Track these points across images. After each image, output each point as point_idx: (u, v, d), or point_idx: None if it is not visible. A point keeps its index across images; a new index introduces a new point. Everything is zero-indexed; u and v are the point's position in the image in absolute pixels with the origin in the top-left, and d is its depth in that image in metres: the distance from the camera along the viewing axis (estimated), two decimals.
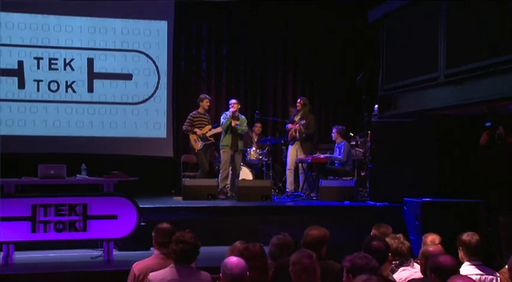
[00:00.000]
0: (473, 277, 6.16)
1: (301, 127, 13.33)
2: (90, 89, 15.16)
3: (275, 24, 15.52)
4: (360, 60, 14.15)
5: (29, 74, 14.95)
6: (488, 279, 6.53)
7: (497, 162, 9.88)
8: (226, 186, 12.99)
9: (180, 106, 15.13)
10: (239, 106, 13.23)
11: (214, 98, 14.09)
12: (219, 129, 13.25)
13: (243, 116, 13.24)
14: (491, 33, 8.47)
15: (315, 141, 13.58)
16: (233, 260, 5.48)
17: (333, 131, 13.30)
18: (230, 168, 13.07)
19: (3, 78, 14.79)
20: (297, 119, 13.53)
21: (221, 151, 13.10)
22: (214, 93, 14.54)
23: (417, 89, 10.33)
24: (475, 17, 8.95)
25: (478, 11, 8.90)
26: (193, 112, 13.66)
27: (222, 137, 13.07)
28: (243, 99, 14.76)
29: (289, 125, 13.69)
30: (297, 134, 13.44)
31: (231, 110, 13.04)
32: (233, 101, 13.29)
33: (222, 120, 13.10)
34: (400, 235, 7.29)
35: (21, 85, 14.92)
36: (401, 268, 6.68)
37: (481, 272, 6.55)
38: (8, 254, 9.63)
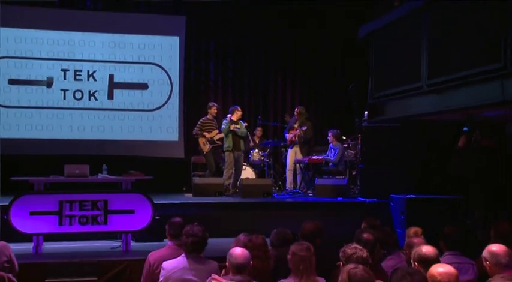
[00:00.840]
0: (453, 265, 6.16)
1: (301, 132, 13.35)
2: (111, 97, 15.21)
3: (275, 41, 15.54)
4: (351, 71, 14.11)
5: (57, 84, 15.00)
6: (466, 267, 6.54)
7: (474, 163, 9.88)
8: (229, 184, 12.97)
9: (190, 112, 15.16)
10: (240, 113, 13.22)
11: (221, 106, 14.11)
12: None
13: (242, 121, 13.21)
14: (468, 47, 8.47)
15: (311, 145, 13.59)
16: (238, 250, 5.48)
17: (329, 134, 13.32)
18: (234, 168, 13.06)
19: (33, 88, 14.85)
20: (296, 125, 13.54)
21: (225, 153, 13.09)
22: (221, 101, 14.57)
23: (402, 97, 10.32)
24: (453, 33, 8.95)
25: (456, 27, 8.90)
26: (203, 118, 13.69)
27: (224, 141, 13.07)
28: (246, 106, 14.80)
29: (288, 136, 13.72)
30: (297, 138, 13.46)
31: (229, 115, 13.05)
32: (235, 107, 13.35)
33: (222, 126, 13.13)
34: (387, 228, 7.29)
35: (50, 94, 14.96)
36: (389, 257, 6.69)
37: (459, 261, 6.55)
38: (37, 244, 9.70)
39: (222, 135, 13.18)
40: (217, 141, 13.36)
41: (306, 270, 5.74)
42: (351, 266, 4.58)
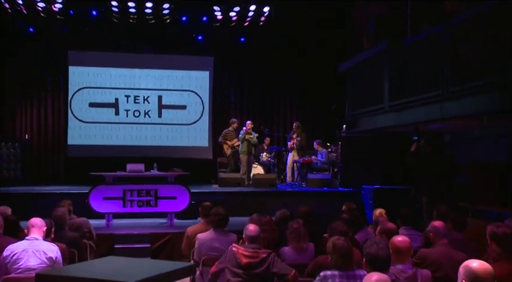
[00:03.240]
0: (407, 236, 6.15)
1: (298, 141, 13.35)
2: (160, 115, 15.17)
3: (279, 74, 15.42)
4: (334, 96, 14.06)
5: (122, 106, 15.00)
6: (416, 237, 6.56)
7: (420, 162, 9.88)
8: (244, 178, 12.96)
9: (216, 126, 15.05)
10: (252, 125, 13.19)
11: (239, 121, 14.05)
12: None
13: (254, 133, 13.18)
14: (417, 79, 8.48)
15: (304, 149, 13.55)
16: (251, 226, 5.47)
17: (314, 144, 13.32)
18: (247, 166, 13.05)
19: (105, 109, 14.91)
20: (294, 136, 13.51)
21: (241, 155, 13.06)
22: (239, 118, 14.48)
23: (371, 115, 10.32)
24: (406, 69, 8.96)
25: (408, 65, 8.91)
26: (225, 130, 13.69)
27: (241, 146, 13.04)
28: (257, 121, 14.71)
29: (289, 143, 13.67)
30: (294, 145, 13.43)
31: (244, 128, 13.01)
32: (248, 122, 13.28)
33: (240, 135, 13.09)
34: (358, 212, 7.29)
35: (117, 113, 14.99)
36: (360, 232, 6.63)
37: (411, 233, 6.58)
38: (108, 220, 9.92)
39: (239, 142, 13.17)
40: (236, 147, 13.34)
41: (298, 238, 5.83)
42: (334, 237, 4.57)
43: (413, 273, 4.41)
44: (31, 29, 14.34)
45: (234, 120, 13.83)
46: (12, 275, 5.36)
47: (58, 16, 13.66)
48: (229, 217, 6.45)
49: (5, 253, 5.46)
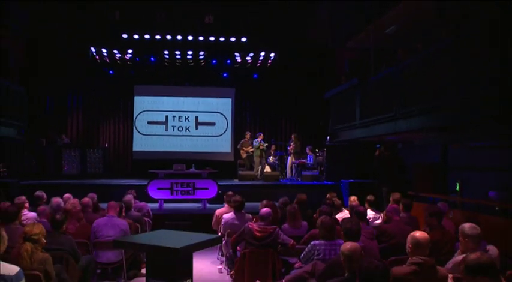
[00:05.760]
0: (372, 215, 6.15)
1: (294, 148, 13.27)
2: (196, 129, 15.13)
3: (283, 99, 15.23)
4: (321, 115, 14.00)
5: (170, 123, 14.99)
6: (378, 216, 6.56)
7: (381, 163, 9.87)
8: (257, 174, 12.95)
9: (236, 137, 14.91)
10: (262, 137, 13.10)
11: (252, 133, 13.96)
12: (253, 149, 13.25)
13: (262, 141, 13.04)
14: (378, 105, 8.49)
15: (299, 154, 13.46)
16: (265, 209, 5.47)
17: (307, 149, 13.19)
18: (260, 166, 13.00)
19: (158, 126, 14.91)
20: (292, 144, 13.38)
21: (255, 158, 12.98)
22: (252, 132, 14.42)
23: (347, 129, 10.33)
24: (371, 97, 8.98)
25: (372, 95, 8.94)
26: (242, 140, 13.57)
27: (254, 152, 12.95)
28: (266, 134, 14.59)
29: (289, 149, 13.52)
30: (292, 150, 13.33)
31: (259, 139, 12.92)
32: (259, 134, 13.19)
33: (254, 143, 12.99)
34: (337, 199, 7.30)
35: (166, 128, 14.97)
36: (339, 212, 6.63)
37: (375, 213, 6.60)
38: (161, 204, 9.89)
39: (253, 149, 13.11)
40: (250, 152, 13.26)
41: (294, 218, 5.83)
42: (322, 217, 4.60)
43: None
44: (111, 72, 14.63)
45: (248, 132, 13.77)
46: (99, 240, 5.51)
47: (128, 62, 14.28)
48: (245, 202, 6.44)
49: (94, 224, 5.62)
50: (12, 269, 3.22)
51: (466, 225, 3.90)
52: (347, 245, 3.40)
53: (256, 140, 13.05)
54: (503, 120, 5.00)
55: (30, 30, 11.83)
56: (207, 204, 10.06)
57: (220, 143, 15.24)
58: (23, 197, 6.27)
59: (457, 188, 8.75)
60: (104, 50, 13.56)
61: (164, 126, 14.98)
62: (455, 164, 9.59)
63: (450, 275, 3.45)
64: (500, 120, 5.05)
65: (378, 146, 10.11)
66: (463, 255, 3.17)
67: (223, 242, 6.09)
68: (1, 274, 3.15)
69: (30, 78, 12.35)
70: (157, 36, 12.95)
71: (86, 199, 6.43)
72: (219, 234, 6.35)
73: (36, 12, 11.65)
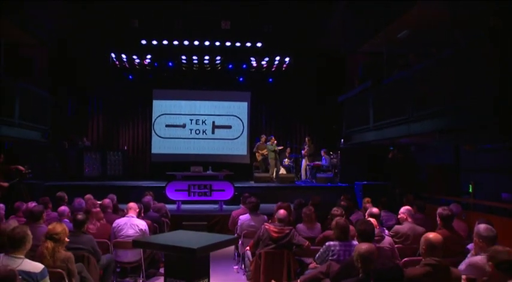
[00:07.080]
0: (385, 217, 6.09)
1: (309, 150, 13.26)
2: (213, 133, 15.17)
3: (297, 104, 15.21)
4: (335, 119, 13.93)
5: (188, 126, 15.06)
6: (392, 217, 6.50)
7: (395, 165, 9.78)
8: (272, 176, 12.93)
9: (252, 140, 14.98)
10: (274, 139, 13.13)
11: (267, 136, 13.99)
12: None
13: (275, 143, 13.13)
14: (392, 108, 8.40)
15: (314, 156, 13.42)
16: (282, 211, 5.43)
17: (321, 151, 13.15)
18: (275, 168, 12.99)
19: (178, 129, 14.99)
20: (306, 146, 13.39)
21: (270, 160, 13.00)
22: (267, 134, 14.43)
23: (360, 132, 10.23)
24: (384, 100, 8.90)
25: (385, 97, 8.86)
26: (258, 143, 13.64)
27: (269, 154, 12.98)
28: (281, 138, 14.60)
29: (303, 152, 13.52)
30: (307, 153, 13.32)
31: (272, 142, 12.94)
32: (271, 137, 13.25)
33: (269, 146, 13.03)
34: (351, 202, 7.24)
35: (184, 131, 15.05)
36: (353, 214, 6.61)
37: (388, 215, 6.55)
38: (178, 205, 9.90)
39: (267, 152, 13.13)
40: (265, 154, 13.28)
41: (310, 219, 5.81)
42: (337, 218, 4.58)
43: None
44: (130, 76, 14.83)
45: (263, 135, 13.79)
46: (118, 239, 5.55)
47: (147, 67, 14.45)
48: (260, 204, 6.44)
49: (114, 225, 5.66)
50: (37, 266, 3.29)
51: (482, 227, 3.83)
52: (362, 246, 3.38)
53: (268, 143, 13.06)
54: None
55: (54, 37, 12.04)
56: (224, 206, 10.04)
57: (236, 145, 15.23)
58: (47, 198, 6.37)
59: (470, 190, 8.61)
60: (123, 56, 13.77)
61: (182, 129, 15.06)
62: (468, 166, 9.44)
63: (463, 276, 3.40)
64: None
65: (391, 148, 10.02)
66: (480, 256, 3.12)
67: (240, 242, 6.10)
68: (26, 271, 3.22)
69: (53, 83, 12.55)
70: (175, 42, 13.08)
71: (106, 200, 6.50)
72: (236, 234, 6.35)
73: (60, 20, 11.85)
